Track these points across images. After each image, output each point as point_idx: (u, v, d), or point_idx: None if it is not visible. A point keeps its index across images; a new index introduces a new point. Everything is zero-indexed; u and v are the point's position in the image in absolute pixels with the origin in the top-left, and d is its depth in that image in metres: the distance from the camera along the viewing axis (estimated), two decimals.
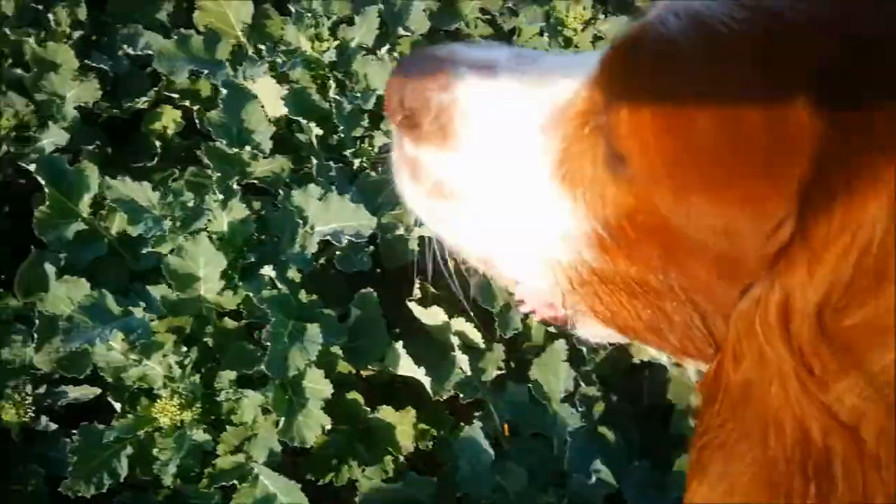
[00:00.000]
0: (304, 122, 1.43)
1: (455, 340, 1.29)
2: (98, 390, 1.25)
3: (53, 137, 1.38)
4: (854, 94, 0.42)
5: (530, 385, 1.33)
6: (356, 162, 1.47)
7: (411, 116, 0.63)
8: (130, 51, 1.51)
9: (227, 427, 1.22)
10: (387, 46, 1.57)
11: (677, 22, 0.47)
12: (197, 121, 1.54)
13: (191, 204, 1.28)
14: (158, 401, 1.14)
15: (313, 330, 1.16)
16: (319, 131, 1.46)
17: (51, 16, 1.49)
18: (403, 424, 1.29)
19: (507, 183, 0.60)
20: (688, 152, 0.47)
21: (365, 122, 1.46)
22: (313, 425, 1.17)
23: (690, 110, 0.46)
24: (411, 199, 0.66)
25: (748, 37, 0.45)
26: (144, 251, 1.28)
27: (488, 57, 0.62)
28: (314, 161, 1.43)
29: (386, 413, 1.28)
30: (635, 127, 0.49)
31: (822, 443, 0.44)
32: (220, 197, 1.25)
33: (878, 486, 0.43)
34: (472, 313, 1.30)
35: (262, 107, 1.44)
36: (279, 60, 1.44)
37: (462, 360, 1.28)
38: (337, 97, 1.45)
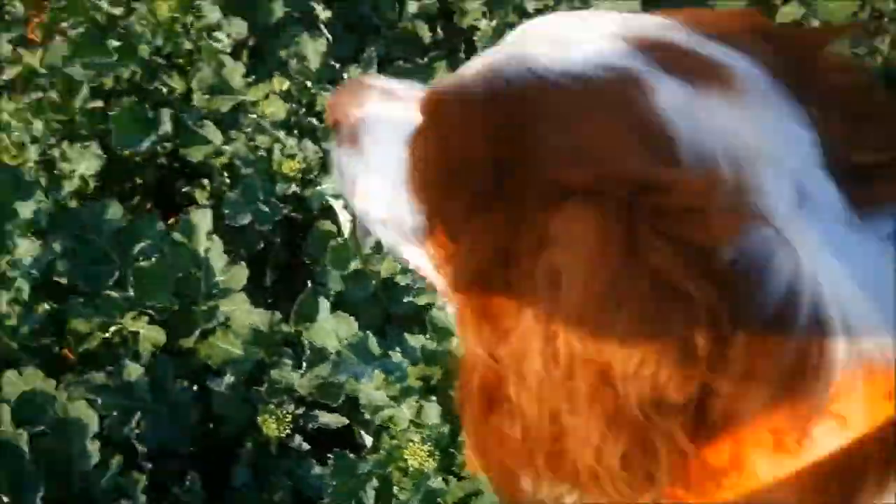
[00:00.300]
0: None
1: None
2: (346, 420, 1.36)
3: (335, 183, 1.54)
4: (498, 173, 0.61)
5: None
6: None
7: (337, 125, 0.83)
8: None
9: (455, 479, 1.29)
10: None
11: (453, 83, 0.68)
12: None
13: None
14: (411, 444, 1.23)
15: None
16: None
17: (345, 75, 1.67)
18: None
19: (387, 185, 0.76)
20: (433, 176, 0.67)
21: None
22: None
23: (436, 149, 0.67)
24: (348, 197, 0.85)
25: (467, 104, 0.65)
26: (405, 300, 1.39)
27: (391, 86, 0.81)
28: None
29: None
30: (413, 152, 0.70)
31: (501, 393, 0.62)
32: None
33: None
34: None
35: None
36: None
37: None
38: None
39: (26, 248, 1.33)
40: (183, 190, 1.66)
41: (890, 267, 0.57)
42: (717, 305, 0.53)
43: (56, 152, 1.59)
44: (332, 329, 1.35)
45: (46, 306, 1.34)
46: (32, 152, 1.59)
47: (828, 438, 0.55)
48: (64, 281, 1.42)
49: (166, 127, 1.59)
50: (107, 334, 1.39)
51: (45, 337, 1.36)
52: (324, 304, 1.37)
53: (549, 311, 0.57)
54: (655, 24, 0.64)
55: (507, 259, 0.59)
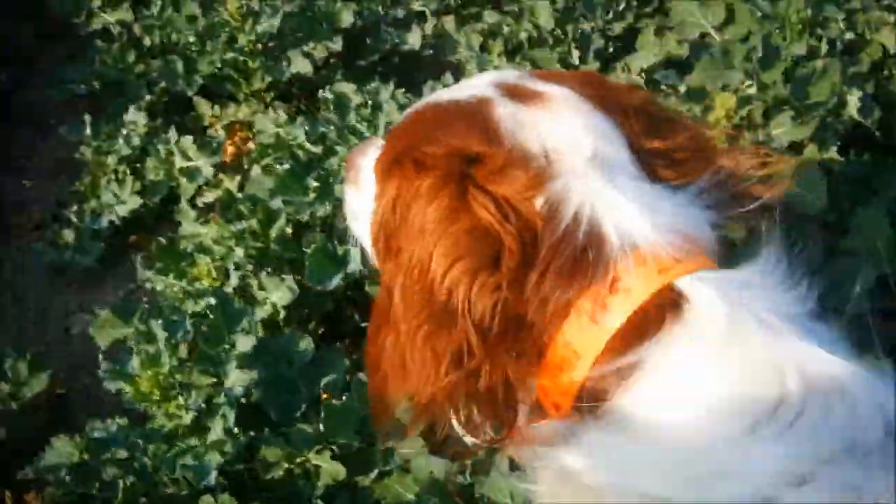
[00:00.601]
0: None
1: None
2: None
3: None
4: (402, 156, 0.94)
5: None
6: None
7: (348, 171, 1.18)
8: None
9: None
10: None
11: (415, 109, 1.04)
12: None
13: None
14: None
15: None
16: None
17: None
18: None
19: (366, 200, 1.04)
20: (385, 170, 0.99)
21: None
22: None
23: (384, 157, 1.00)
24: (349, 222, 1.21)
25: (403, 126, 1.03)
26: None
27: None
28: None
29: None
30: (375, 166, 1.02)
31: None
32: None
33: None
34: None
35: None
36: None
37: None
38: None
39: (237, 378, 1.43)
40: (362, 325, 1.75)
41: (679, 204, 0.86)
42: (518, 234, 0.83)
43: (253, 281, 1.71)
44: (506, 487, 1.38)
45: (247, 434, 1.43)
46: (234, 278, 1.72)
47: (620, 306, 0.81)
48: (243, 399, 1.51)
49: (355, 265, 1.69)
50: (292, 465, 1.46)
51: (239, 463, 1.44)
52: (500, 461, 1.41)
53: (413, 245, 0.88)
54: (513, 75, 1.01)
55: (395, 209, 0.92)
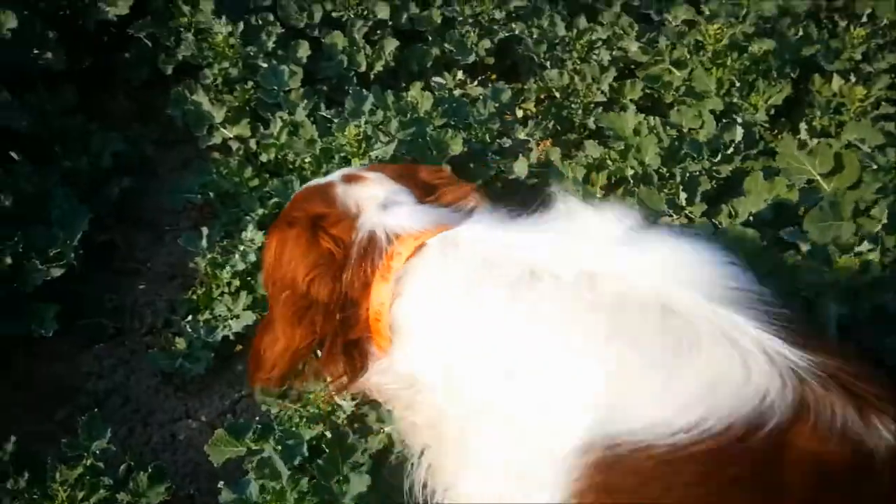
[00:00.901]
0: None
1: None
2: None
3: None
4: (283, 223, 1.72)
5: None
6: None
7: None
8: None
9: None
10: None
11: (298, 191, 1.91)
12: None
13: None
14: None
15: None
16: None
17: None
18: None
19: None
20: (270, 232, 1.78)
21: None
22: None
23: (276, 229, 1.73)
24: None
25: (291, 203, 1.82)
26: None
27: None
28: None
29: None
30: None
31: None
32: None
33: None
34: None
35: None
36: None
37: None
38: None
39: None
40: None
41: (432, 214, 1.60)
42: (344, 253, 1.55)
43: (370, 412, 1.75)
44: None
45: None
46: (347, 407, 1.77)
47: (397, 265, 1.50)
48: None
49: None
50: None
51: None
52: None
53: (285, 271, 1.57)
54: (357, 168, 1.80)
55: (274, 253, 1.62)
